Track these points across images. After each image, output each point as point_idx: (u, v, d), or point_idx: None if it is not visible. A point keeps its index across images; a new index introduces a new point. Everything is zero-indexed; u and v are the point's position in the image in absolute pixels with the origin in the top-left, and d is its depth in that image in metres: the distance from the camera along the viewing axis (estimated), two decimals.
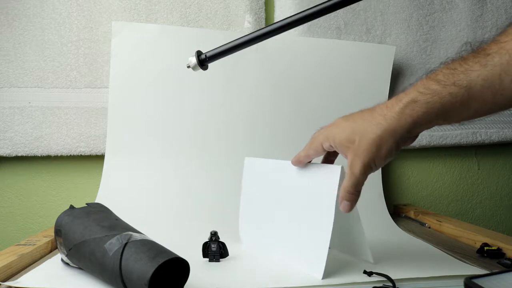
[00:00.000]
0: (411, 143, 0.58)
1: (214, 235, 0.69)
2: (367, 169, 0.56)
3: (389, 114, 0.54)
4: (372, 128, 0.55)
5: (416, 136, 0.57)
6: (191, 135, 1.01)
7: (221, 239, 0.70)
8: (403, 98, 0.53)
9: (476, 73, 0.48)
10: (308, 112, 1.04)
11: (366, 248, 0.66)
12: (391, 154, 0.56)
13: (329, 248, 0.72)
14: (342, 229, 0.67)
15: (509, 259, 0.70)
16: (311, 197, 0.64)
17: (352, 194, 0.58)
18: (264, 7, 1.08)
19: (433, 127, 0.99)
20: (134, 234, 0.56)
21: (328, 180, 0.61)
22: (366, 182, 0.59)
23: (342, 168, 0.61)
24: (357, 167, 0.56)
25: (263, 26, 1.06)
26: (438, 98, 0.51)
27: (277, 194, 0.70)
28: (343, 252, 0.72)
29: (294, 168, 0.67)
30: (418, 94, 0.52)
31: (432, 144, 1.14)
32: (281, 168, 0.70)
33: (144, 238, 0.56)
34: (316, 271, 0.61)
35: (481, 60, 0.48)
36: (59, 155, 1.01)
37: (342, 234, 0.68)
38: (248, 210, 0.77)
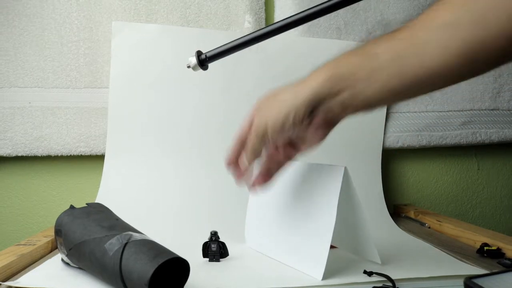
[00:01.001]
0: (332, 116, 0.53)
1: (214, 235, 0.70)
2: (260, 128, 0.56)
3: (298, 84, 0.54)
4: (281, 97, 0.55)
5: (336, 114, 0.53)
6: (191, 135, 1.01)
7: (221, 239, 0.70)
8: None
9: (382, 45, 0.49)
10: None
11: (373, 249, 0.66)
12: (296, 123, 0.53)
13: (337, 248, 0.73)
14: (348, 230, 0.67)
15: (509, 259, 0.70)
16: (313, 197, 0.64)
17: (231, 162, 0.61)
18: (264, 7, 1.08)
19: (433, 128, 0.99)
20: (134, 234, 0.56)
21: (330, 181, 0.61)
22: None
23: (346, 168, 0.61)
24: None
25: (263, 26, 1.06)
26: (344, 62, 0.51)
27: (282, 194, 0.70)
28: (351, 252, 0.72)
29: (299, 168, 0.67)
30: (326, 62, 0.53)
31: (432, 144, 1.14)
32: (288, 169, 0.70)
33: (144, 238, 0.56)
34: (316, 272, 0.61)
35: (388, 36, 0.49)
36: (59, 155, 1.01)
37: (349, 235, 0.68)
38: (254, 210, 0.77)
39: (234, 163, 0.61)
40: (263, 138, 0.56)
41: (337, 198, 0.60)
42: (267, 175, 0.62)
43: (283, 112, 0.53)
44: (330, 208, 0.61)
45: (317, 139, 0.56)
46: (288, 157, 0.61)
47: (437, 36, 0.45)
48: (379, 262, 0.66)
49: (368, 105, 0.51)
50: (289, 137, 0.56)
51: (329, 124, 0.55)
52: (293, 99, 0.52)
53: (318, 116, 0.53)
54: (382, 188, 1.06)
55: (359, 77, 0.49)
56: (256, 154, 0.58)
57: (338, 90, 0.50)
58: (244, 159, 0.60)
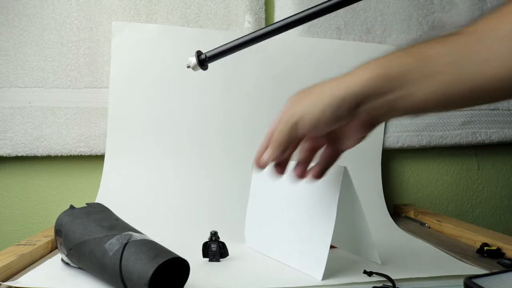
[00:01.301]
0: (376, 116, 0.49)
1: (214, 235, 0.70)
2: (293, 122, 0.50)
3: (342, 77, 0.49)
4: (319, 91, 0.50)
5: (381, 114, 0.49)
6: (191, 135, 1.01)
7: (221, 239, 0.70)
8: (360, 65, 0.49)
9: (439, 49, 0.45)
10: None
11: (373, 249, 0.66)
12: (334, 119, 0.48)
13: (337, 248, 0.73)
14: (348, 230, 0.67)
15: (509, 259, 0.70)
16: (313, 197, 0.64)
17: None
18: (264, 7, 1.08)
19: (433, 128, 0.97)
20: (134, 234, 0.56)
21: (330, 181, 0.61)
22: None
23: (345, 168, 0.61)
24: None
25: (263, 26, 1.06)
26: (396, 61, 0.47)
27: (282, 195, 0.70)
28: (351, 252, 0.72)
29: None
30: (373, 60, 0.48)
31: (432, 144, 1.14)
32: (287, 168, 0.70)
33: (144, 238, 0.56)
34: (316, 272, 0.61)
35: (445, 39, 0.46)
36: (59, 155, 1.01)
37: (348, 235, 0.68)
38: (254, 211, 0.77)
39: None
40: (291, 130, 0.50)
41: (337, 198, 0.60)
42: (319, 169, 0.56)
43: (320, 105, 0.48)
44: (330, 208, 0.61)
45: (355, 140, 0.52)
46: (335, 152, 0.56)
47: (507, 45, 0.42)
48: (379, 262, 0.66)
49: (416, 109, 0.47)
50: (321, 134, 0.51)
51: (370, 124, 0.51)
52: (334, 93, 0.47)
53: (361, 114, 0.48)
54: (382, 188, 1.06)
55: (412, 78, 0.45)
56: (280, 148, 0.51)
57: (388, 90, 0.46)
58: (264, 155, 0.53)
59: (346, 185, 0.61)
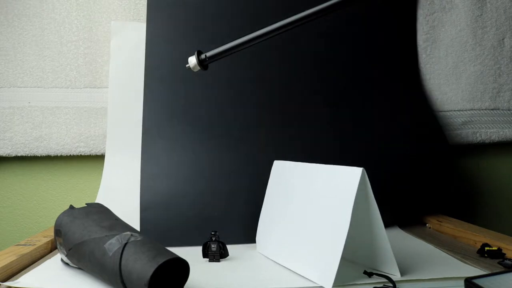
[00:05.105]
0: None
1: (214, 235, 0.69)
2: None
3: None
4: None
5: None
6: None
7: (221, 239, 0.70)
8: None
9: None
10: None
11: (392, 260, 0.60)
12: None
13: (346, 259, 0.67)
14: (363, 239, 0.63)
15: (510, 259, 0.70)
16: (327, 202, 0.61)
17: None
18: None
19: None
20: (134, 234, 0.56)
21: (346, 184, 0.58)
22: None
23: (363, 170, 0.56)
24: None
25: None
26: None
27: (297, 198, 0.68)
28: (366, 264, 0.66)
29: (315, 171, 0.64)
30: None
31: None
32: (304, 172, 0.67)
33: (144, 238, 0.56)
34: (325, 281, 0.57)
35: None
36: (58, 155, 1.01)
37: (363, 244, 0.64)
38: (268, 213, 0.76)
39: None
40: None
41: (352, 203, 0.55)
42: None
43: None
44: (344, 213, 0.57)
45: None
46: None
47: None
48: (399, 275, 0.60)
49: None
50: None
51: None
52: None
53: None
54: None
55: None
56: None
57: None
58: None
59: (362, 188, 0.57)
